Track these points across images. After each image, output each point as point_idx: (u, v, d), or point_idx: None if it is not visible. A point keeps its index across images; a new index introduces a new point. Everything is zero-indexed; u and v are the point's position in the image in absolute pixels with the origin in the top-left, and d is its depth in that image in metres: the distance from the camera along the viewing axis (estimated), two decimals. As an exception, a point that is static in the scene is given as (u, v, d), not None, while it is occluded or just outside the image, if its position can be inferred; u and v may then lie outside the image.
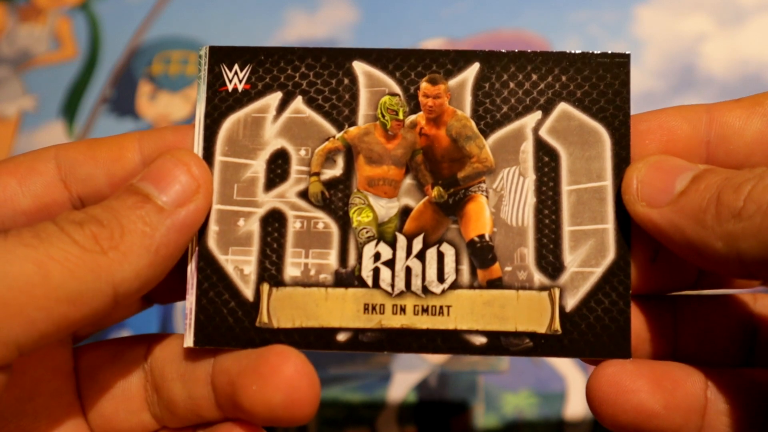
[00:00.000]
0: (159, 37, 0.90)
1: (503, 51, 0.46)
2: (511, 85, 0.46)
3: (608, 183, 0.45)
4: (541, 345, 0.45)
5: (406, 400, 0.72)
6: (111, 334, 0.74)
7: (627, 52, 0.46)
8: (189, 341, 0.45)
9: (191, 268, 0.46)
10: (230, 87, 0.46)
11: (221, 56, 0.46)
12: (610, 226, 0.45)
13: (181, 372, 0.46)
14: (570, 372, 0.71)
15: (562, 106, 0.46)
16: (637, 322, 0.46)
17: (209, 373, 0.45)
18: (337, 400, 0.72)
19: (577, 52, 0.46)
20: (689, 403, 0.44)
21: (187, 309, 0.46)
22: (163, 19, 0.91)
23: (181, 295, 0.48)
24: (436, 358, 0.73)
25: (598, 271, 0.45)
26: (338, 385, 0.72)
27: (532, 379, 0.72)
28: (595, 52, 0.46)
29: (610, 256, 0.45)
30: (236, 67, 0.46)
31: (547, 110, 0.46)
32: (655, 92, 0.82)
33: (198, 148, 0.46)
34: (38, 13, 0.93)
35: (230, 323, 0.45)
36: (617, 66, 0.46)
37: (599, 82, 0.45)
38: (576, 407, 0.71)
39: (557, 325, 0.45)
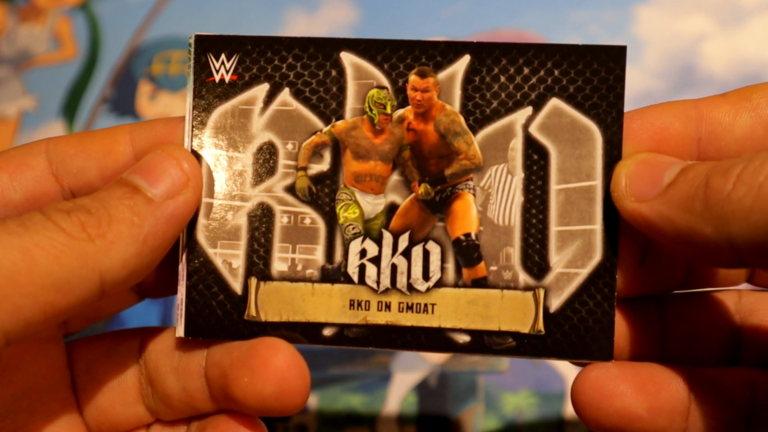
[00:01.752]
0: (159, 37, 0.90)
1: (495, 42, 0.45)
2: (502, 78, 0.45)
3: (598, 182, 0.45)
4: (524, 345, 0.45)
5: (406, 400, 0.71)
6: (108, 327, 0.74)
7: (623, 45, 0.45)
8: (180, 332, 0.46)
9: (182, 261, 0.46)
10: (217, 78, 0.46)
11: (208, 45, 0.46)
12: (597, 226, 0.45)
13: (175, 365, 0.46)
14: (570, 372, 0.71)
15: (554, 102, 0.45)
16: (624, 323, 0.46)
17: (202, 366, 0.46)
18: (337, 400, 0.72)
19: (571, 44, 0.45)
20: (673, 406, 0.44)
21: (178, 300, 0.46)
22: (163, 19, 0.91)
23: (173, 290, 0.48)
24: (437, 358, 0.73)
25: (584, 273, 0.45)
26: (338, 385, 0.72)
27: (532, 379, 0.72)
28: (590, 44, 0.45)
29: (597, 257, 0.45)
30: (223, 56, 0.46)
31: (538, 106, 0.45)
32: (654, 92, 0.82)
33: (187, 140, 0.46)
34: (38, 13, 0.93)
35: (219, 315, 0.45)
36: (612, 60, 0.45)
37: (593, 77, 0.45)
38: (576, 408, 0.70)
39: (540, 326, 0.45)
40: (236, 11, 0.91)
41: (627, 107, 0.45)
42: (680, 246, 0.41)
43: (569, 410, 0.70)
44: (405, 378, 0.72)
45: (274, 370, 0.43)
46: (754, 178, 0.37)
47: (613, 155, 0.44)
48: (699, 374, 0.46)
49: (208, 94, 0.46)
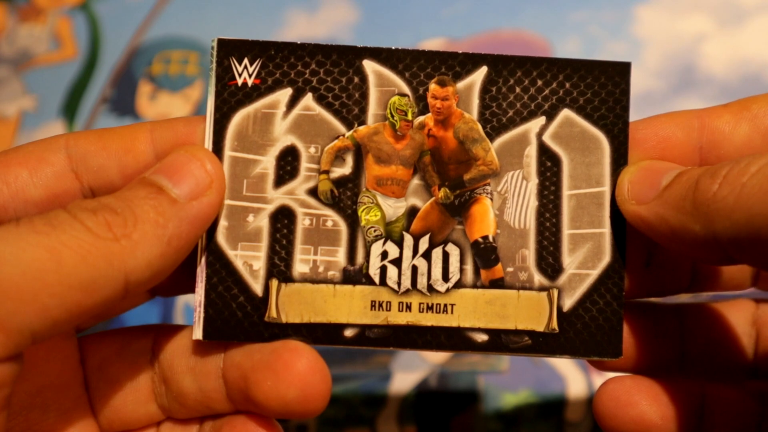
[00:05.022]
0: (159, 37, 0.90)
1: (510, 55, 0.47)
2: (517, 89, 0.47)
3: (606, 188, 0.46)
4: (539, 343, 0.46)
5: (406, 400, 0.72)
6: (109, 327, 0.74)
7: (628, 61, 0.47)
8: (198, 334, 0.46)
9: (201, 263, 0.46)
10: (240, 81, 0.46)
11: (231, 49, 0.46)
12: (606, 230, 0.46)
13: (191, 365, 0.46)
14: (570, 372, 0.72)
15: (566, 113, 0.47)
16: (645, 333, 0.48)
17: (220, 367, 0.46)
18: (337, 400, 0.72)
19: (581, 59, 0.47)
20: (685, 415, 0.47)
21: (195, 303, 0.46)
22: (163, 19, 0.91)
23: (184, 289, 0.49)
24: (437, 358, 0.73)
25: (594, 274, 0.46)
26: (338, 384, 0.72)
27: (532, 379, 0.72)
28: (598, 59, 0.47)
29: (606, 259, 0.46)
30: (246, 61, 0.46)
31: (550, 116, 0.47)
32: (655, 92, 0.82)
33: (208, 142, 0.46)
34: (38, 13, 0.93)
35: (239, 317, 0.46)
36: (618, 74, 0.47)
37: (601, 90, 0.47)
38: (576, 407, 0.71)
39: (555, 324, 0.46)
40: (236, 11, 0.91)
41: (629, 110, 0.47)
42: (674, 244, 0.42)
43: (569, 410, 0.71)
44: (405, 378, 0.72)
45: (298, 374, 0.43)
46: (737, 178, 0.38)
47: (620, 163, 0.46)
48: (711, 387, 0.48)
49: (230, 97, 0.46)
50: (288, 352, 0.44)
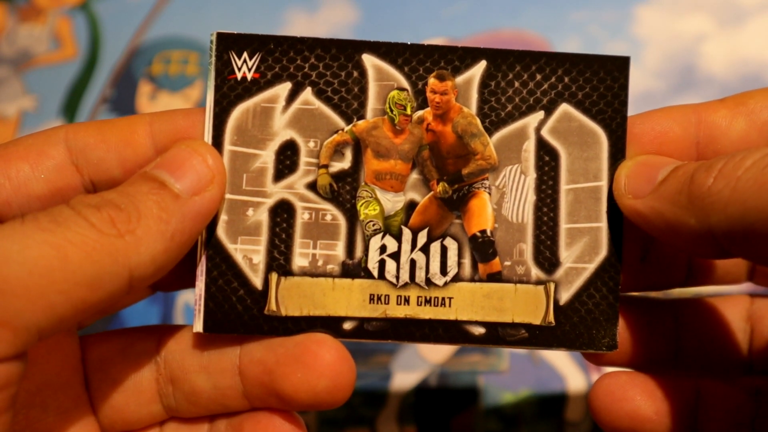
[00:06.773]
0: (159, 37, 0.90)
1: (509, 50, 0.47)
2: (516, 84, 0.47)
3: (604, 183, 0.47)
4: (536, 336, 0.46)
5: (406, 400, 0.72)
6: (109, 326, 0.74)
7: (627, 55, 0.47)
8: (198, 327, 0.46)
9: (202, 257, 0.46)
10: (239, 75, 0.46)
11: (230, 43, 0.46)
12: (603, 224, 0.47)
13: (205, 364, 0.46)
14: (570, 372, 0.72)
15: (564, 107, 0.47)
16: (640, 328, 0.49)
17: (236, 364, 0.46)
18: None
19: (580, 53, 0.47)
20: (680, 410, 0.47)
21: (196, 296, 0.46)
22: (163, 19, 0.91)
23: (184, 284, 0.49)
24: (437, 358, 0.73)
25: (591, 267, 0.47)
26: (338, 384, 0.72)
27: (532, 379, 0.72)
28: (597, 53, 0.47)
29: (603, 253, 0.46)
30: (245, 55, 0.46)
31: (549, 110, 0.47)
32: (655, 92, 0.82)
33: (207, 136, 0.46)
34: (38, 13, 0.93)
35: (239, 310, 0.46)
36: (617, 69, 0.47)
37: (599, 85, 0.47)
38: (576, 407, 0.71)
39: (551, 318, 0.46)
40: (236, 11, 0.91)
41: (628, 109, 0.47)
42: (670, 238, 0.43)
43: (569, 410, 0.71)
44: (405, 378, 0.72)
45: (328, 365, 0.44)
46: (732, 172, 0.38)
47: (617, 157, 0.46)
48: (705, 382, 0.48)
49: (230, 91, 0.46)
50: (315, 343, 0.44)
